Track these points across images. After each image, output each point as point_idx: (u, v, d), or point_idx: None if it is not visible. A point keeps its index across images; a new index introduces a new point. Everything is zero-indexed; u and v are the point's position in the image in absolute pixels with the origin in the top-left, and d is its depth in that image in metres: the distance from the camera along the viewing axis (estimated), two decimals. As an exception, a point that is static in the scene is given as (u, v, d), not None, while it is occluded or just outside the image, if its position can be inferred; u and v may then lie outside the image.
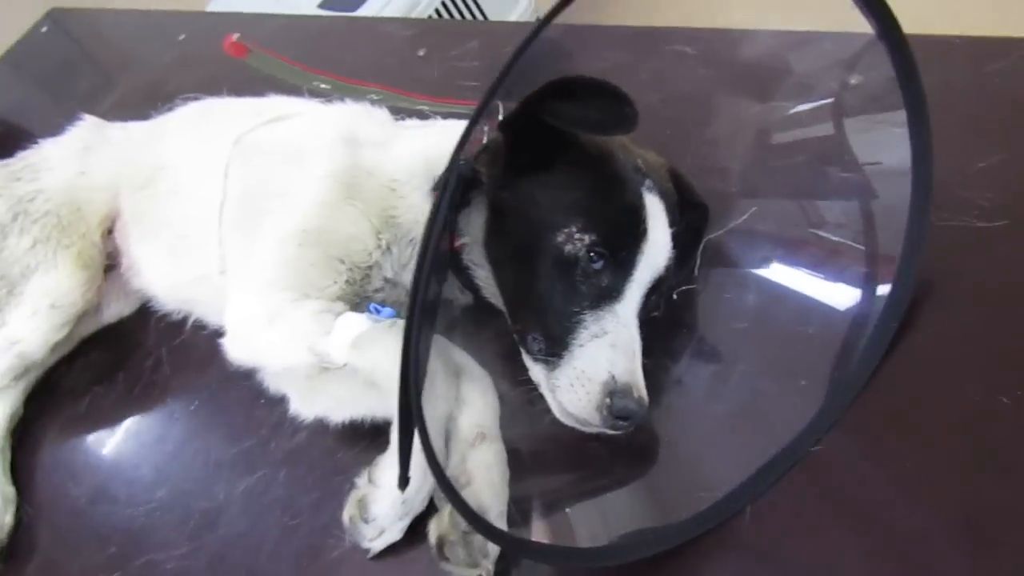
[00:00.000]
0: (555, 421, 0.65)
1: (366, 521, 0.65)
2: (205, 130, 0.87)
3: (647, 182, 0.67)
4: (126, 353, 0.96)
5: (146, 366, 0.94)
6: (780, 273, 0.69)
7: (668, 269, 0.66)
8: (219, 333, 0.87)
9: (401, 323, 0.67)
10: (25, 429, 0.92)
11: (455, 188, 0.54)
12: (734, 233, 0.73)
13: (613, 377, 0.61)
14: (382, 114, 0.83)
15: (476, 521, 0.54)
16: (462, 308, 0.79)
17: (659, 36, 0.97)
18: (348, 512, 0.67)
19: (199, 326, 0.92)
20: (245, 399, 0.85)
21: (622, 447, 0.64)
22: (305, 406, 0.75)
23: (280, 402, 0.81)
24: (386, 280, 0.76)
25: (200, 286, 0.84)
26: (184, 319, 0.94)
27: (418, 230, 0.74)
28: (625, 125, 0.60)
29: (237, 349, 0.76)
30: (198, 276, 0.84)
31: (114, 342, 0.96)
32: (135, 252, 0.91)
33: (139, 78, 1.41)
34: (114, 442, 0.88)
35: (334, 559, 0.69)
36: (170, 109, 1.00)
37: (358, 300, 0.74)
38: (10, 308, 0.90)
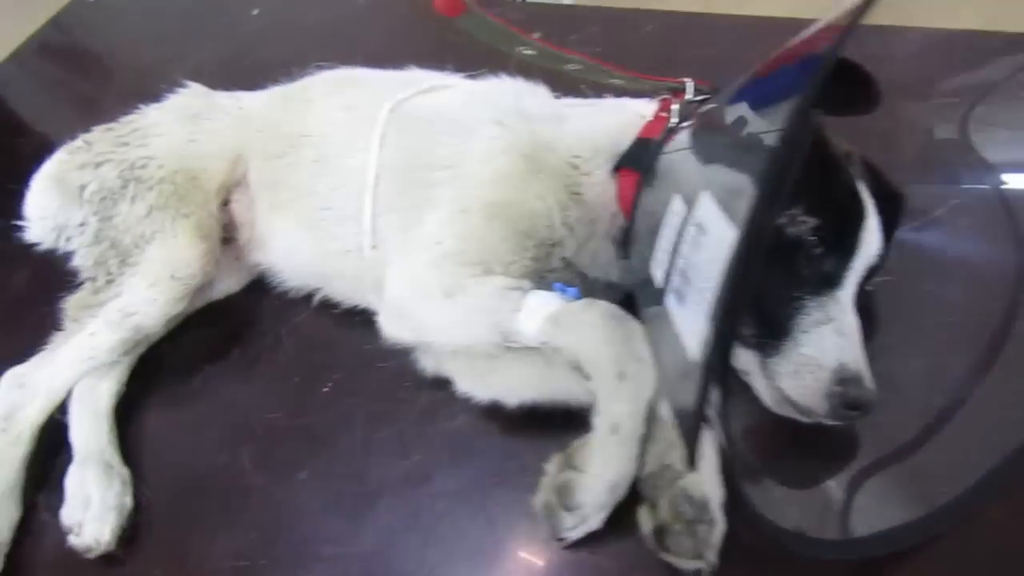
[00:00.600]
0: (762, 410, 0.63)
1: (568, 509, 0.61)
2: (352, 98, 0.83)
3: (855, 169, 0.65)
4: (238, 331, 0.91)
5: (264, 344, 0.89)
6: (984, 267, 0.68)
7: (880, 258, 0.64)
8: (352, 312, 0.84)
9: (603, 303, 0.65)
10: (130, 407, 0.86)
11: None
12: (930, 224, 0.71)
13: (842, 365, 0.59)
14: (543, 90, 0.81)
15: (757, 519, 0.51)
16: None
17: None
18: (543, 498, 0.63)
19: (327, 304, 0.87)
20: (386, 380, 0.81)
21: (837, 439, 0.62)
22: (478, 387, 0.71)
23: (429, 384, 0.78)
24: (564, 260, 0.73)
25: (344, 260, 0.80)
26: (305, 297, 0.90)
27: (601, 209, 0.71)
28: (871, 104, 0.58)
29: (400, 324, 0.73)
30: (342, 249, 0.80)
31: (223, 319, 0.91)
32: (264, 224, 0.86)
33: (212, 51, 1.35)
34: (237, 422, 0.83)
35: (511, 548, 0.65)
36: (287, 79, 0.96)
37: (536, 279, 0.70)
38: (124, 278, 0.85)
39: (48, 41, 1.57)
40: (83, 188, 0.91)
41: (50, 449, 0.83)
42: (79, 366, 0.84)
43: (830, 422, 0.60)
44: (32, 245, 1.06)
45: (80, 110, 1.37)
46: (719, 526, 0.58)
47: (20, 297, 1.07)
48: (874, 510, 0.57)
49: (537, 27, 1.10)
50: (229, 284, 0.92)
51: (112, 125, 0.96)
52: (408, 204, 0.75)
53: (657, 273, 0.57)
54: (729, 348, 0.45)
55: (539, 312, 0.66)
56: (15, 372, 0.86)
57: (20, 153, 1.30)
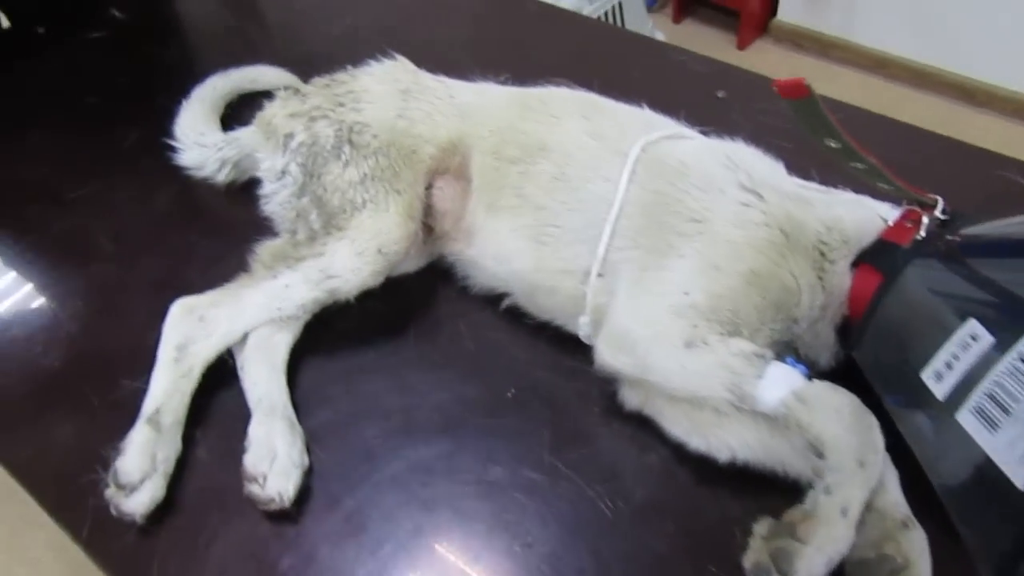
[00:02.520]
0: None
1: (782, 574, 0.65)
2: (601, 127, 0.86)
3: None
4: (413, 314, 0.92)
5: (441, 333, 0.91)
6: None
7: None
8: (540, 326, 0.86)
9: (844, 391, 0.69)
10: (297, 364, 0.87)
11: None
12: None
13: None
14: (780, 164, 0.85)
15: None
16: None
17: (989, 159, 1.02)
18: (756, 559, 0.67)
19: (513, 311, 0.90)
20: (573, 401, 0.83)
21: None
22: (693, 437, 0.75)
23: (621, 415, 0.81)
24: (793, 335, 0.77)
25: (562, 279, 0.83)
26: (486, 298, 0.91)
27: (835, 297, 0.76)
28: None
29: (621, 357, 0.76)
30: (563, 269, 0.83)
31: (396, 298, 0.91)
32: (476, 220, 0.88)
33: (368, 15, 1.35)
34: (413, 405, 0.84)
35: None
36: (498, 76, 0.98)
37: (774, 350, 0.75)
38: (330, 240, 0.85)
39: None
40: (290, 137, 0.91)
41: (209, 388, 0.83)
42: (264, 313, 0.84)
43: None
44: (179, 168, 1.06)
45: (226, 37, 1.34)
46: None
47: (163, 217, 1.06)
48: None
49: (720, 84, 1.15)
50: (407, 265, 0.93)
51: (328, 81, 0.96)
52: (649, 245, 0.78)
53: (935, 385, 0.62)
54: None
55: (783, 384, 0.70)
56: (188, 303, 0.86)
57: (162, 63, 1.28)
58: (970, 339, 0.61)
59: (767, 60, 2.95)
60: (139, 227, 1.05)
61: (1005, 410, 0.56)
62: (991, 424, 0.56)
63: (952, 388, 0.60)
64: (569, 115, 0.87)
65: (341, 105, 0.92)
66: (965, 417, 0.58)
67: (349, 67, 1.00)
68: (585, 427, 0.81)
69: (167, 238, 1.03)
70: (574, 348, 0.85)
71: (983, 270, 0.69)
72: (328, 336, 0.90)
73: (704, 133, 0.90)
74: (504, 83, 1.10)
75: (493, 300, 0.91)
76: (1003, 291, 0.64)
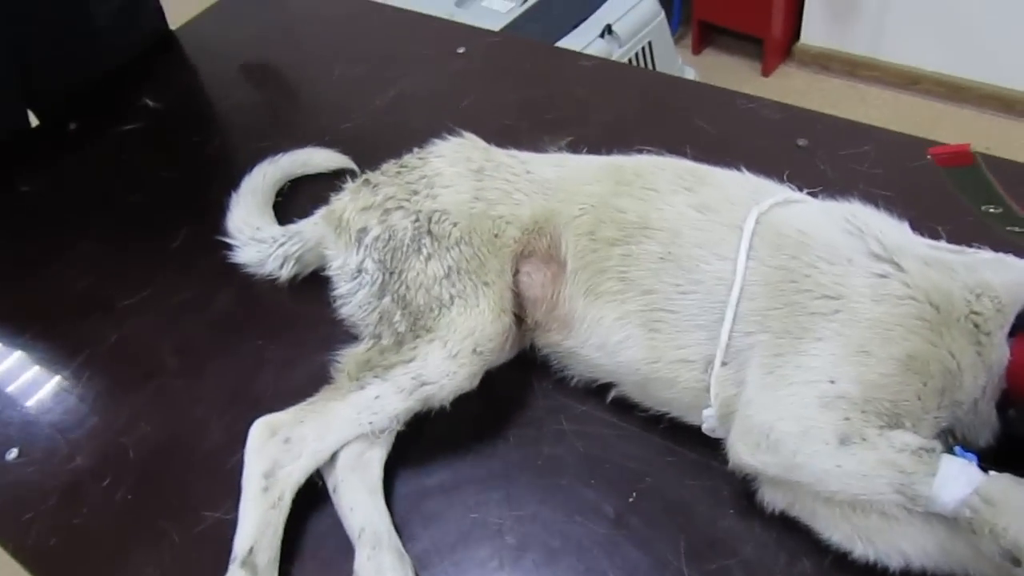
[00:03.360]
0: None
1: None
2: (708, 199, 0.79)
3: None
4: (510, 412, 0.86)
5: (544, 434, 0.83)
6: None
7: None
8: (653, 417, 0.79)
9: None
10: (390, 479, 0.80)
11: None
12: None
13: None
14: (904, 224, 0.78)
15: None
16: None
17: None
18: None
19: (621, 402, 0.82)
20: (704, 500, 0.76)
21: None
22: (857, 544, 0.67)
23: (761, 515, 0.73)
24: (956, 419, 0.69)
25: (680, 369, 0.75)
26: (592, 389, 0.84)
27: (995, 371, 0.68)
28: None
29: (764, 456, 0.68)
30: (682, 358, 0.75)
31: (490, 394, 0.84)
32: (575, 308, 0.81)
33: (415, 82, 1.30)
34: (524, 515, 0.77)
35: None
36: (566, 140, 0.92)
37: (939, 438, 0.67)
38: (420, 343, 0.78)
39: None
40: (364, 232, 0.85)
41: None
42: (354, 428, 0.78)
43: None
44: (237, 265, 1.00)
45: (267, 120, 1.29)
46: None
47: (225, 321, 1.00)
48: None
49: (800, 132, 1.08)
50: (499, 359, 0.86)
51: (399, 168, 0.90)
52: (780, 328, 0.71)
53: None
54: None
55: (962, 482, 0.62)
56: (270, 423, 0.79)
57: (204, 153, 1.23)
58: None
59: (794, 85, 2.89)
60: (200, 334, 0.99)
61: None
62: None
63: None
64: (669, 187, 0.81)
65: (416, 193, 0.86)
66: None
67: (415, 149, 0.93)
68: (722, 532, 0.74)
69: (232, 344, 0.97)
70: (696, 440, 0.78)
71: None
72: (421, 445, 0.83)
73: (812, 195, 0.83)
74: (572, 149, 1.04)
75: (597, 391, 0.84)
76: None
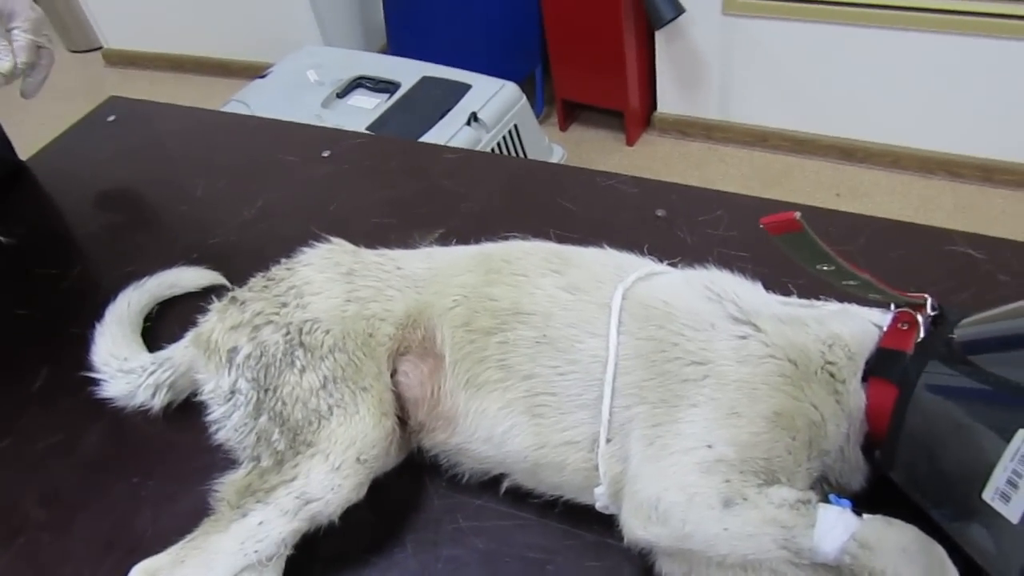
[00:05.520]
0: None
1: None
2: (575, 279, 0.81)
3: None
4: (404, 518, 0.83)
5: (442, 534, 0.82)
6: None
7: None
8: (550, 502, 0.79)
9: (901, 523, 0.65)
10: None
11: None
12: None
13: None
14: (757, 284, 0.82)
15: None
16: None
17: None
18: None
19: (515, 492, 0.82)
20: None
21: None
22: (755, 603, 0.68)
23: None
24: (826, 467, 0.72)
25: (567, 452, 0.76)
26: (485, 483, 0.84)
27: (854, 418, 0.72)
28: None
29: (655, 528, 0.69)
30: (567, 440, 0.76)
31: (381, 503, 0.82)
32: (460, 403, 0.81)
33: (279, 193, 1.29)
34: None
35: None
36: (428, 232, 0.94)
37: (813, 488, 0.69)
38: (301, 460, 0.76)
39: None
40: (234, 352, 0.83)
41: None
42: (240, 560, 0.74)
43: None
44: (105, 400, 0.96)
45: (130, 245, 1.25)
46: None
47: (95, 463, 0.94)
48: None
49: (656, 203, 1.13)
50: (386, 464, 0.84)
51: (266, 282, 0.89)
52: (656, 398, 0.73)
53: (1004, 506, 0.58)
54: None
55: (838, 530, 0.64)
56: (147, 568, 0.75)
57: (63, 288, 1.18)
58: (1029, 450, 0.57)
59: (658, 152, 3.05)
60: (69, 479, 0.92)
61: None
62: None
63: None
64: (538, 271, 0.83)
65: (285, 305, 0.85)
66: (1057, 539, 0.54)
67: (282, 260, 0.92)
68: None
69: (105, 486, 0.91)
70: (593, 519, 0.78)
71: (992, 368, 0.67)
72: (315, 565, 0.79)
73: (672, 264, 0.86)
74: (443, 242, 1.06)
75: (491, 483, 0.83)
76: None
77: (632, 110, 3.03)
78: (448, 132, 2.06)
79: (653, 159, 2.96)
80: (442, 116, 2.12)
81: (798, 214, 0.62)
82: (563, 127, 3.26)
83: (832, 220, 1.07)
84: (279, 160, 1.37)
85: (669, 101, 3.06)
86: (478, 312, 0.82)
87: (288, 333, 0.82)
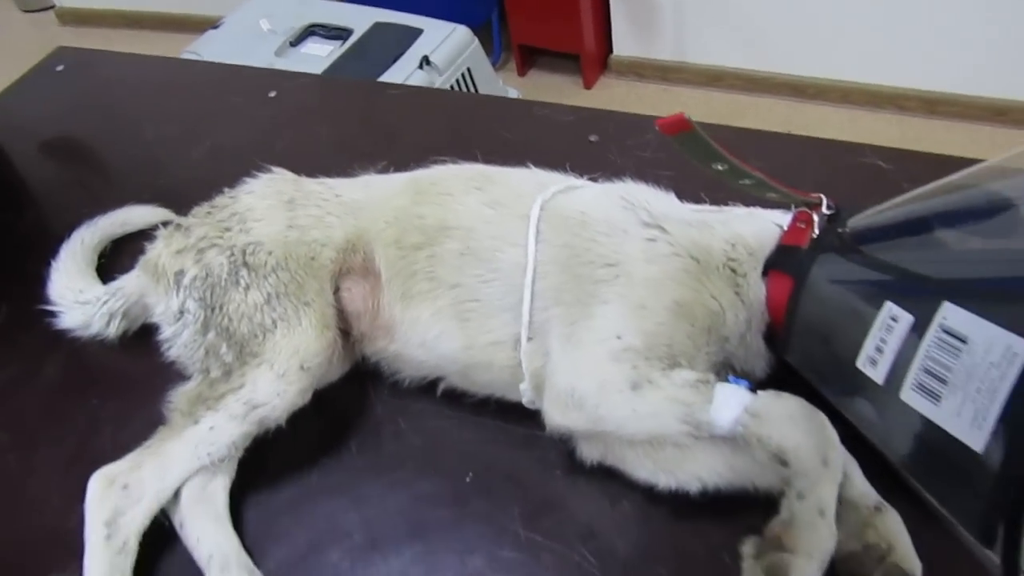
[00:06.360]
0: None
1: (781, 587, 0.66)
2: (497, 195, 0.87)
3: None
4: (349, 422, 0.89)
5: (383, 435, 0.88)
6: None
7: None
8: (482, 403, 0.86)
9: (789, 395, 0.72)
10: (239, 503, 0.82)
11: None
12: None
13: None
14: (670, 194, 0.88)
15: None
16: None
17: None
18: (751, 579, 0.67)
19: (451, 394, 0.88)
20: (535, 470, 0.82)
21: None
22: (660, 476, 0.75)
23: (583, 470, 0.80)
24: (727, 353, 0.79)
25: (493, 351, 0.82)
26: (424, 387, 0.90)
27: (755, 308, 0.79)
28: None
29: (573, 415, 0.76)
30: (492, 341, 0.82)
31: (329, 409, 0.88)
32: (396, 314, 0.86)
33: (228, 133, 1.32)
34: (373, 516, 0.81)
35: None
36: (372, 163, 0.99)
37: (714, 372, 0.76)
38: (248, 369, 0.82)
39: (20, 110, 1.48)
40: (180, 274, 0.88)
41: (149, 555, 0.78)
42: (192, 463, 0.80)
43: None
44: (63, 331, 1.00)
45: (81, 189, 1.29)
46: (925, 598, 0.65)
47: (56, 390, 0.99)
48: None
49: (590, 130, 1.19)
50: (331, 373, 0.90)
51: (209, 209, 0.93)
52: (571, 299, 0.79)
53: (872, 371, 0.64)
54: None
55: (733, 404, 0.71)
56: (107, 473, 0.80)
57: (19, 231, 1.21)
58: (891, 321, 0.64)
59: (615, 94, 3.09)
60: (32, 406, 0.97)
61: (943, 381, 0.58)
62: (934, 396, 0.59)
63: (888, 371, 0.63)
64: (462, 190, 0.88)
65: (228, 230, 0.89)
66: (909, 395, 0.61)
67: (225, 189, 0.97)
68: (552, 493, 0.80)
69: (66, 410, 0.96)
70: (521, 416, 0.84)
71: (878, 254, 0.73)
72: (266, 468, 0.85)
73: (593, 180, 0.92)
74: (385, 173, 1.10)
75: (428, 388, 0.89)
76: (904, 271, 0.68)
77: (588, 53, 3.05)
78: (401, 76, 2.09)
79: (610, 102, 2.99)
80: (395, 61, 2.14)
81: (688, 114, 0.68)
82: (521, 72, 3.28)
83: (752, 139, 1.13)
84: (226, 102, 1.40)
85: (624, 44, 3.08)
86: (408, 230, 0.87)
87: (232, 255, 0.87)
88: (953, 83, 2.63)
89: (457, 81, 2.21)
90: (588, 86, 3.13)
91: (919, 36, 2.59)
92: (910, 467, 0.64)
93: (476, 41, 2.28)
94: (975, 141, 2.55)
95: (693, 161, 0.73)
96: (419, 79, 2.10)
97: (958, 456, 0.57)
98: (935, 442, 0.59)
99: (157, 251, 0.91)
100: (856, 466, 0.72)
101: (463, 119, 1.27)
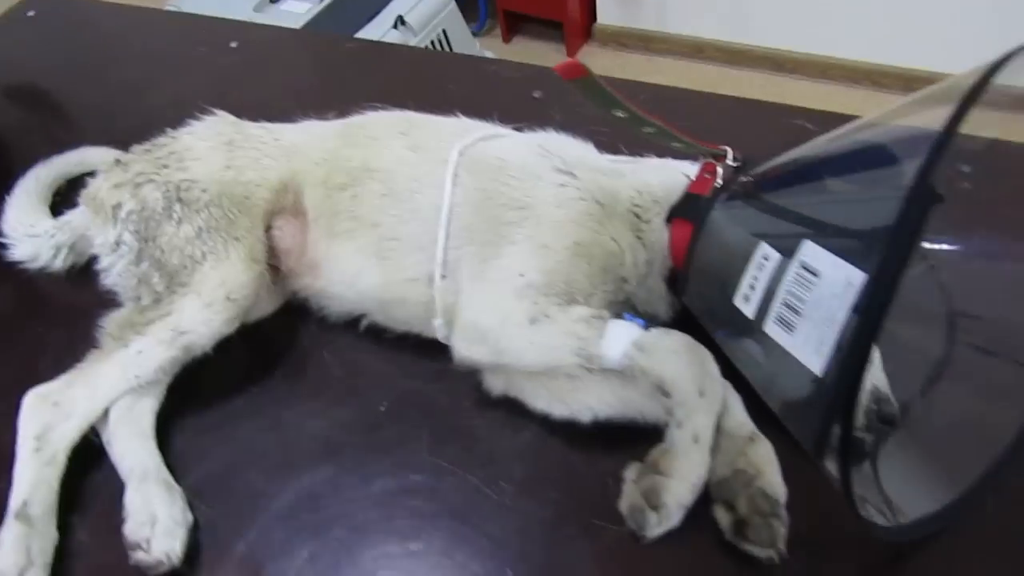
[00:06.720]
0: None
1: (655, 509, 0.70)
2: (419, 140, 0.90)
3: None
4: (277, 353, 0.94)
5: (308, 366, 0.92)
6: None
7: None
8: (401, 338, 0.90)
9: (676, 332, 0.76)
10: (169, 427, 0.87)
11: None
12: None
13: (876, 387, 0.73)
14: (589, 144, 0.92)
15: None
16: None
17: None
18: (630, 502, 0.72)
19: (374, 330, 0.92)
20: (444, 402, 0.87)
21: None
22: (555, 406, 0.80)
23: (491, 403, 0.85)
24: (627, 293, 0.83)
25: (409, 288, 0.86)
26: (346, 324, 0.94)
27: (657, 252, 0.83)
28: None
29: (477, 348, 0.80)
30: (409, 278, 0.86)
31: (258, 342, 0.93)
32: (319, 251, 0.90)
33: (188, 83, 1.36)
34: (291, 439, 0.85)
35: (605, 549, 0.73)
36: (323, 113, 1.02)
37: (613, 311, 0.80)
38: (176, 298, 0.86)
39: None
40: (118, 207, 0.92)
41: (78, 470, 0.82)
42: (121, 384, 0.84)
43: (864, 435, 0.73)
44: (13, 263, 1.04)
45: (41, 132, 1.32)
46: (786, 520, 0.70)
47: (3, 318, 1.03)
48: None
49: (534, 86, 1.22)
50: (263, 308, 0.95)
51: (149, 147, 0.97)
52: (482, 239, 0.83)
53: (746, 307, 0.69)
54: (864, 367, 0.57)
55: (623, 338, 0.75)
56: (40, 392, 0.85)
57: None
58: (763, 260, 0.68)
59: (596, 63, 3.09)
60: (-23, 332, 1.01)
61: (797, 312, 0.63)
62: (789, 327, 0.63)
63: (757, 306, 0.67)
64: (387, 134, 0.92)
65: (165, 167, 0.93)
66: (771, 328, 0.65)
67: (168, 130, 1.00)
68: (459, 422, 0.85)
69: (12, 338, 1.00)
70: (437, 352, 0.88)
71: (768, 200, 0.77)
72: (196, 394, 0.90)
73: (518, 129, 0.95)
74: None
75: (353, 324, 0.94)
76: (783, 211, 0.72)
77: (572, 21, 3.06)
78: (375, 35, 2.11)
79: (593, 70, 3.00)
80: (370, 19, 2.16)
81: (582, 61, 0.71)
82: (506, 39, 3.29)
83: (684, 98, 1.16)
84: (189, 52, 1.43)
85: (608, 12, 3.09)
86: (334, 172, 0.91)
87: (167, 190, 0.91)
88: (931, 61, 2.65)
89: (432, 43, 2.23)
90: (571, 55, 3.15)
91: (898, 13, 2.60)
92: (769, 395, 0.69)
93: (453, 3, 2.30)
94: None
95: (595, 106, 0.76)
96: (393, 38, 2.12)
97: (803, 380, 0.61)
98: (789, 370, 0.63)
99: (97, 185, 0.95)
100: (738, 399, 0.77)
101: (414, 73, 1.30)
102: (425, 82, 1.28)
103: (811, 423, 0.61)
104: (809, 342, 0.61)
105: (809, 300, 0.62)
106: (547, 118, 1.15)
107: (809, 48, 2.82)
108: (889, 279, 0.54)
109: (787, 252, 0.66)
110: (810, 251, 0.63)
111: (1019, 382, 0.78)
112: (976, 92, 0.56)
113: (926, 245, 0.86)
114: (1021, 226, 0.84)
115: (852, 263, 0.59)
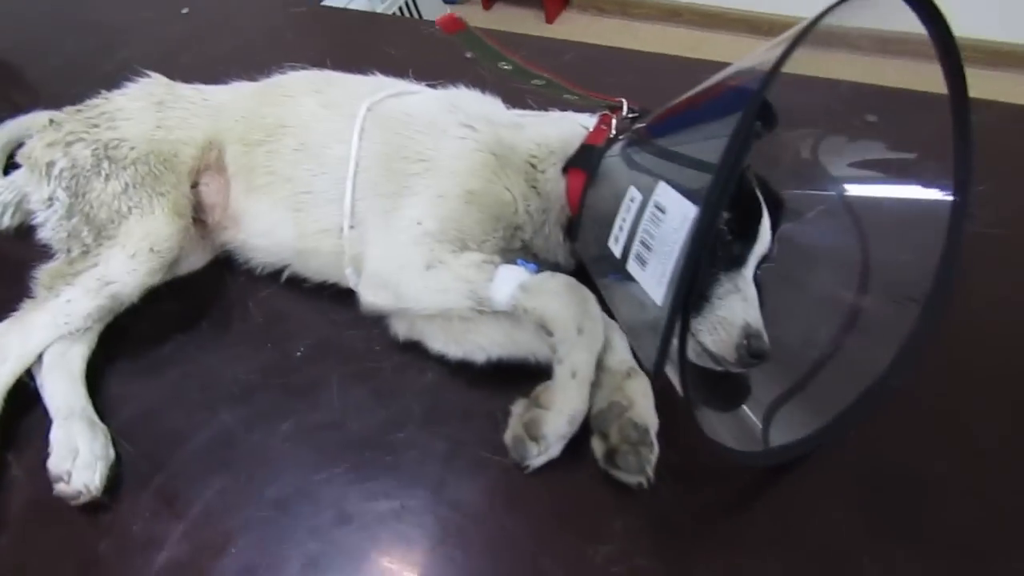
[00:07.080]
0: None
1: (534, 440, 0.75)
2: (331, 96, 0.94)
3: (752, 178, 0.84)
4: (205, 304, 0.99)
5: (232, 315, 0.97)
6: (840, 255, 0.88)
7: (770, 247, 0.84)
8: (319, 287, 0.94)
9: (562, 275, 0.80)
10: (100, 373, 0.92)
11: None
12: (802, 223, 0.91)
13: (748, 323, 0.77)
14: (499, 100, 0.96)
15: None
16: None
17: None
18: (512, 433, 0.77)
19: (293, 281, 0.97)
20: (356, 346, 0.92)
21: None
22: (450, 347, 0.84)
23: (399, 347, 0.89)
24: (522, 242, 0.87)
25: (322, 239, 0.91)
26: (271, 275, 0.99)
27: (554, 201, 0.87)
28: (771, 126, 0.77)
29: (380, 294, 0.85)
30: (321, 229, 0.91)
31: (188, 294, 0.98)
32: (239, 205, 0.95)
33: (139, 48, 1.39)
34: (213, 383, 0.90)
35: (493, 477, 0.79)
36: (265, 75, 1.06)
37: (503, 257, 0.85)
38: (103, 250, 0.91)
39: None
40: (51, 165, 0.96)
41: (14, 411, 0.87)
42: (53, 331, 0.89)
43: (737, 369, 0.78)
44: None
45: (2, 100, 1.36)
46: (656, 449, 0.74)
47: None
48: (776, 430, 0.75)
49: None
50: (193, 262, 1.00)
51: (80, 107, 1.01)
52: (387, 191, 0.87)
53: (615, 248, 0.73)
54: (691, 292, 0.61)
55: (510, 282, 0.80)
56: (-24, 339, 0.89)
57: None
58: (631, 202, 0.72)
59: (576, 29, 3.11)
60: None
61: (649, 248, 0.67)
62: (643, 263, 0.67)
63: (623, 246, 0.71)
64: (302, 92, 0.96)
65: (96, 126, 0.98)
66: (631, 266, 0.69)
67: (102, 91, 1.05)
68: (369, 365, 0.89)
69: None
70: (351, 300, 0.93)
71: (654, 145, 0.80)
72: (126, 342, 0.95)
73: (432, 86, 0.99)
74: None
75: (276, 275, 0.98)
76: (656, 152, 0.76)
77: (550, -14, 3.07)
78: (342, 1, 2.13)
79: (572, 35, 3.01)
80: (339, -14, 2.19)
81: (458, 14, 0.75)
82: (486, 6, 3.30)
83: (609, 55, 1.19)
84: (141, 18, 1.47)
85: (587, -23, 3.10)
86: (252, 128, 0.95)
87: (96, 148, 0.95)
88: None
89: (400, 8, 2.26)
90: (550, 20, 3.16)
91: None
92: (629, 329, 0.73)
93: (422, -32, 2.32)
94: (925, 81, 2.57)
95: (479, 59, 0.80)
96: (360, 4, 2.14)
97: (650, 311, 0.66)
98: (645, 304, 0.68)
99: (32, 144, 0.99)
100: (622, 337, 0.81)
101: (354, 35, 1.34)
102: (364, 44, 1.32)
103: (649, 347, 0.66)
104: (655, 274, 0.65)
105: (658, 236, 0.66)
106: (476, 76, 1.19)
107: (784, 10, 2.81)
108: (711, 212, 0.58)
109: (648, 193, 0.70)
110: (663, 191, 0.67)
111: (894, 319, 0.82)
112: (805, 33, 0.60)
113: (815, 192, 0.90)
114: (903, 167, 0.87)
115: (689, 199, 0.63)
